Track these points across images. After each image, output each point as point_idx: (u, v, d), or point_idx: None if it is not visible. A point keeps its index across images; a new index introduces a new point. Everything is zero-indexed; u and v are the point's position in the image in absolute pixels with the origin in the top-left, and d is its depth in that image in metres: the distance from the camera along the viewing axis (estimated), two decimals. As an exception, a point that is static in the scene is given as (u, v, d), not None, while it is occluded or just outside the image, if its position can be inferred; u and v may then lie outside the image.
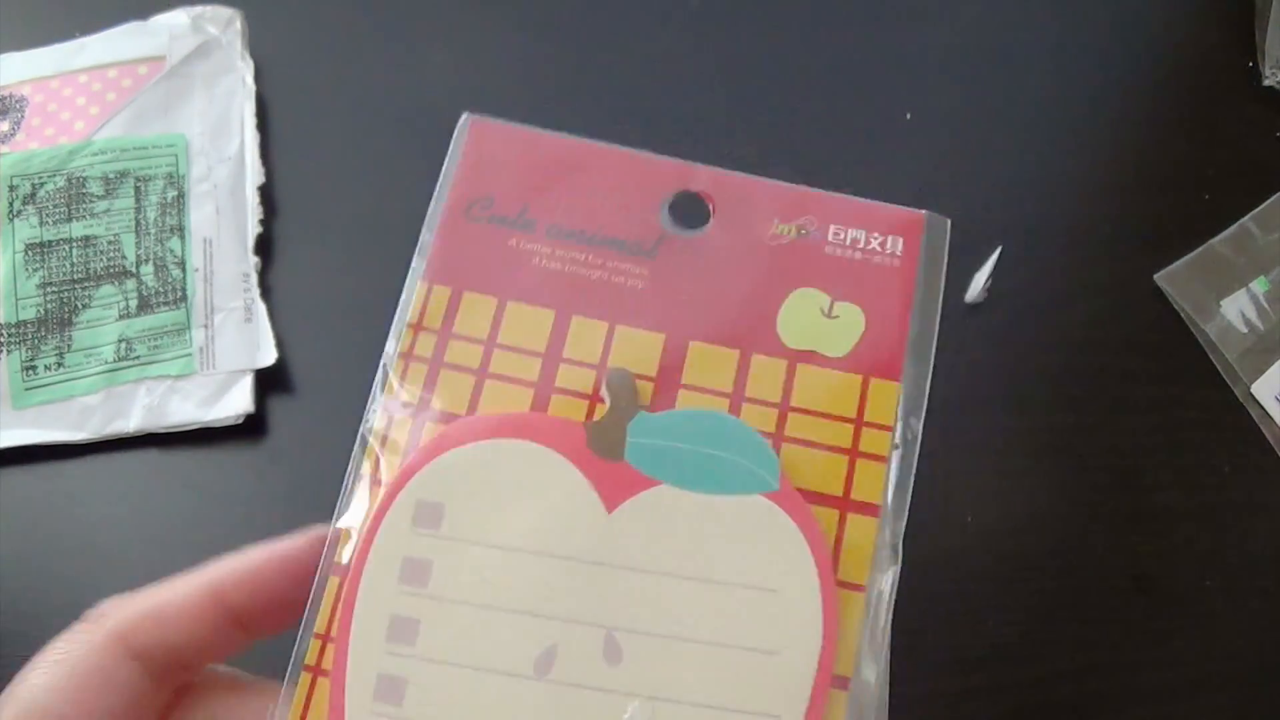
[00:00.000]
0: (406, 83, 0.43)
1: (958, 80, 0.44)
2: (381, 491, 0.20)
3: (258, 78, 0.42)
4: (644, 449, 0.21)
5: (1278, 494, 0.38)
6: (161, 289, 0.38)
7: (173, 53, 0.41)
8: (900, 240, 0.22)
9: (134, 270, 0.38)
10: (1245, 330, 0.39)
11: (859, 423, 0.21)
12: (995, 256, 0.40)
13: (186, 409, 0.37)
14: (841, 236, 0.22)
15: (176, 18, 0.42)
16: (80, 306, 0.38)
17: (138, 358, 0.38)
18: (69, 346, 0.38)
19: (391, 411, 0.21)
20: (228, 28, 0.42)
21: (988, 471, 0.38)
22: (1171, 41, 0.45)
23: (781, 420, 0.21)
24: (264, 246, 0.39)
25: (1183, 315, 0.40)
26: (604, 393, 0.21)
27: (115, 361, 0.37)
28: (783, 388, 0.21)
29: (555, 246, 0.22)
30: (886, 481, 0.21)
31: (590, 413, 0.21)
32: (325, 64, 0.43)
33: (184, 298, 0.38)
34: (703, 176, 0.23)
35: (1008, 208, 0.41)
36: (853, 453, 0.21)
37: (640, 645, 0.20)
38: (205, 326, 0.38)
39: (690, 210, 0.22)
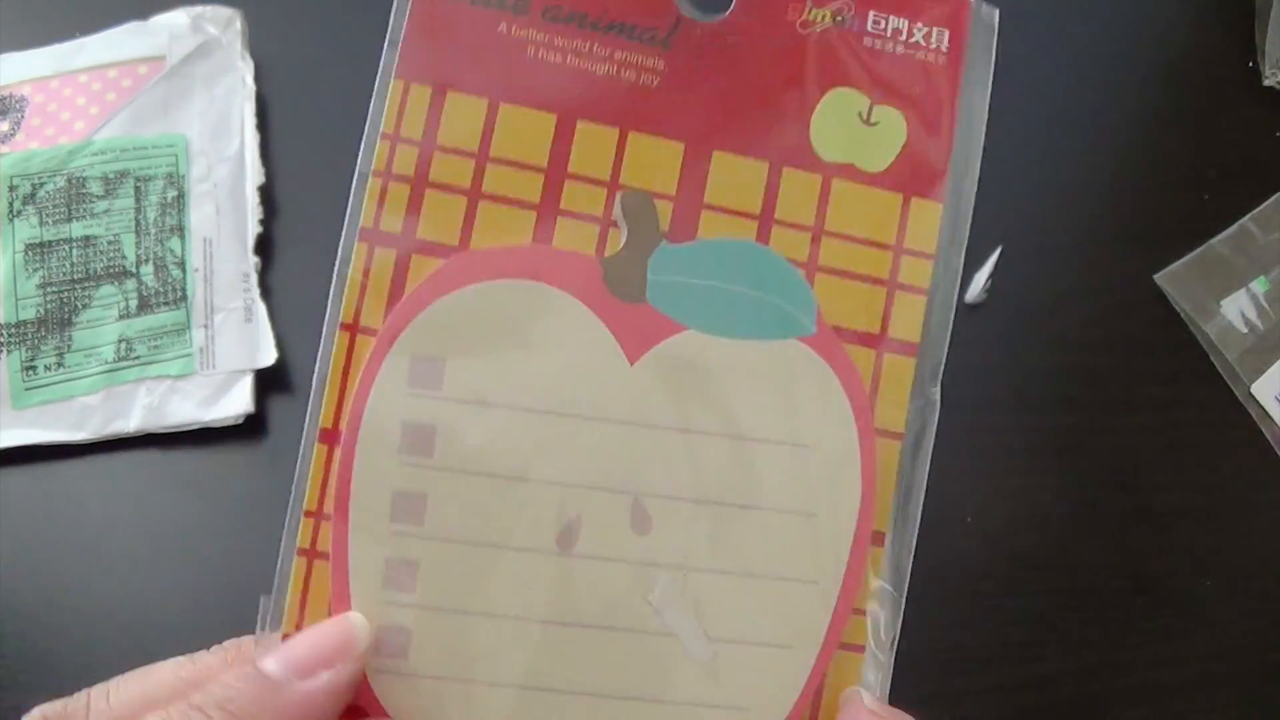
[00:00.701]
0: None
1: (958, 80, 0.44)
2: (371, 344, 0.18)
3: (258, 78, 0.41)
4: (667, 288, 0.18)
5: (1278, 494, 0.38)
6: (161, 289, 0.38)
7: (173, 53, 0.41)
8: (946, 33, 0.20)
9: (134, 270, 0.38)
10: (1245, 330, 0.39)
11: (899, 249, 0.19)
12: (995, 256, 0.40)
13: (186, 409, 0.37)
14: (882, 26, 0.20)
15: (176, 18, 0.42)
16: (80, 306, 0.38)
17: (138, 358, 0.38)
18: (69, 346, 0.37)
19: (372, 243, 0.18)
20: (228, 28, 0.42)
21: (988, 471, 0.38)
22: (1171, 41, 0.45)
23: (815, 246, 0.19)
24: (264, 246, 0.39)
25: (1183, 315, 0.40)
26: (619, 217, 0.18)
27: (115, 361, 0.37)
28: (816, 209, 0.19)
29: (554, 33, 0.19)
30: (928, 317, 0.19)
31: (602, 241, 0.18)
32: (325, 64, 0.43)
33: (184, 298, 0.38)
34: None
35: (1008, 208, 0.41)
36: (891, 284, 0.19)
37: (670, 511, 0.18)
38: (205, 326, 0.38)
39: None
